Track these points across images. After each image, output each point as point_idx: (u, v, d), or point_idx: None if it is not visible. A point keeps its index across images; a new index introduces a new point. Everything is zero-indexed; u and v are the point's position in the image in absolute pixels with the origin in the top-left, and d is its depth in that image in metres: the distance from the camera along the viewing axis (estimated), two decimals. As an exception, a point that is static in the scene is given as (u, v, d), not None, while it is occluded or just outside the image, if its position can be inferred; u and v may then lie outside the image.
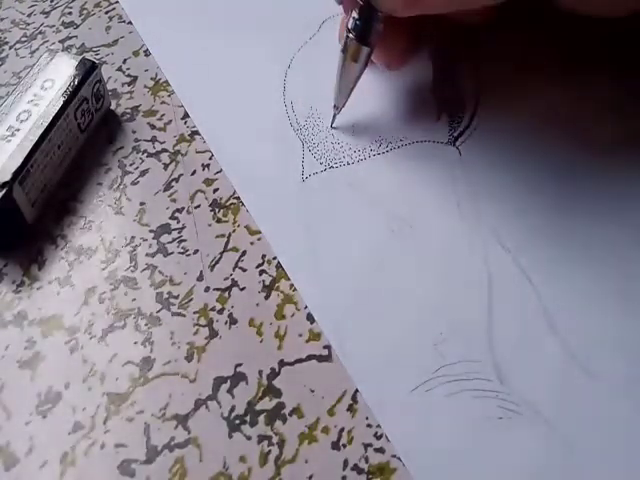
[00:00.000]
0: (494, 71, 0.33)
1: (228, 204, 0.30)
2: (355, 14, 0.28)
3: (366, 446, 0.24)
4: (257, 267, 0.28)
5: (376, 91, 0.33)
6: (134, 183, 0.31)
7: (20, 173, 0.28)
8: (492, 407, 0.24)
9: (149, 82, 0.35)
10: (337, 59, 0.30)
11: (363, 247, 0.28)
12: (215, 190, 0.31)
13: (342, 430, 0.24)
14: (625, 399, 0.24)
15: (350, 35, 0.29)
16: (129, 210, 0.30)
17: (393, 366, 0.25)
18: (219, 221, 0.30)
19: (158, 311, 0.27)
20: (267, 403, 0.25)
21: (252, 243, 0.29)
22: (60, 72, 0.31)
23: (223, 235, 0.29)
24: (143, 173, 0.32)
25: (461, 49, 0.34)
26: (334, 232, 0.29)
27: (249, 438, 0.24)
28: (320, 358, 0.26)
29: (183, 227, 0.30)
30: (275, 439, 0.24)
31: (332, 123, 0.32)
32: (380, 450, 0.24)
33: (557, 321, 0.26)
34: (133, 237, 0.30)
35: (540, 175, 0.30)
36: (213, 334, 0.27)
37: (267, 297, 0.28)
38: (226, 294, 0.28)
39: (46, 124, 0.29)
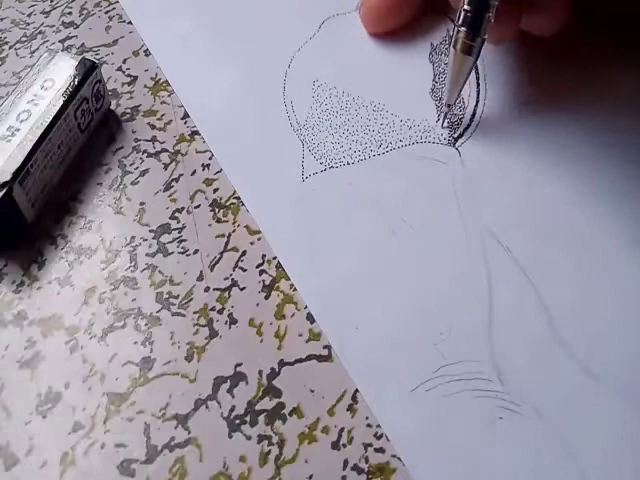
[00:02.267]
0: (495, 70, 0.34)
1: (228, 204, 0.30)
2: (466, 6, 0.28)
3: (366, 446, 0.24)
4: (257, 267, 0.28)
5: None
6: (134, 183, 0.31)
7: (20, 173, 0.28)
8: (492, 407, 0.24)
9: (149, 82, 0.35)
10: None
11: (363, 247, 0.28)
12: (215, 190, 0.31)
13: (342, 430, 0.24)
14: (625, 399, 0.24)
15: (461, 29, 0.29)
16: (129, 210, 0.30)
17: (393, 366, 0.25)
18: (219, 221, 0.30)
19: (158, 311, 0.27)
20: (267, 403, 0.25)
21: (252, 243, 0.29)
22: (60, 72, 0.31)
23: (223, 235, 0.29)
24: (143, 173, 0.32)
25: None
26: (334, 232, 0.29)
27: (249, 438, 0.24)
28: (320, 358, 0.26)
29: (183, 227, 0.30)
30: (275, 439, 0.24)
31: (443, 123, 0.32)
32: (380, 450, 0.24)
33: (557, 321, 0.26)
34: (133, 237, 0.30)
35: (540, 175, 0.30)
36: (213, 334, 0.27)
37: (267, 297, 0.28)
38: (226, 294, 0.28)
39: (46, 124, 0.29)
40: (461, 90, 0.31)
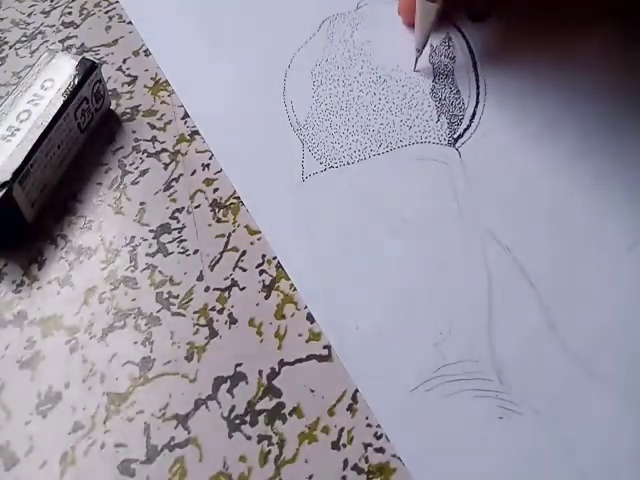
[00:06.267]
0: (494, 72, 0.34)
1: (228, 204, 0.30)
2: None
3: (366, 446, 0.24)
4: (257, 267, 0.28)
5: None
6: (134, 183, 0.31)
7: (20, 173, 0.28)
8: (492, 407, 0.24)
9: (149, 82, 0.35)
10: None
11: (363, 247, 0.28)
12: (215, 190, 0.31)
13: (342, 430, 0.24)
14: (625, 398, 0.24)
15: None
16: (129, 210, 0.30)
17: (393, 366, 0.25)
18: (219, 221, 0.30)
19: (158, 311, 0.27)
20: (267, 403, 0.25)
21: (252, 243, 0.29)
22: (60, 72, 0.31)
23: (223, 235, 0.29)
24: (143, 173, 0.32)
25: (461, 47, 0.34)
26: (334, 232, 0.29)
27: (249, 438, 0.24)
28: (320, 358, 0.26)
29: (183, 227, 0.30)
30: (275, 439, 0.24)
31: (415, 67, 0.34)
32: (380, 450, 0.24)
33: (557, 321, 0.26)
34: (133, 237, 0.29)
35: (539, 175, 0.30)
36: (213, 334, 0.27)
37: (267, 297, 0.28)
38: (226, 294, 0.28)
39: (46, 124, 0.29)
40: (428, 36, 0.33)
